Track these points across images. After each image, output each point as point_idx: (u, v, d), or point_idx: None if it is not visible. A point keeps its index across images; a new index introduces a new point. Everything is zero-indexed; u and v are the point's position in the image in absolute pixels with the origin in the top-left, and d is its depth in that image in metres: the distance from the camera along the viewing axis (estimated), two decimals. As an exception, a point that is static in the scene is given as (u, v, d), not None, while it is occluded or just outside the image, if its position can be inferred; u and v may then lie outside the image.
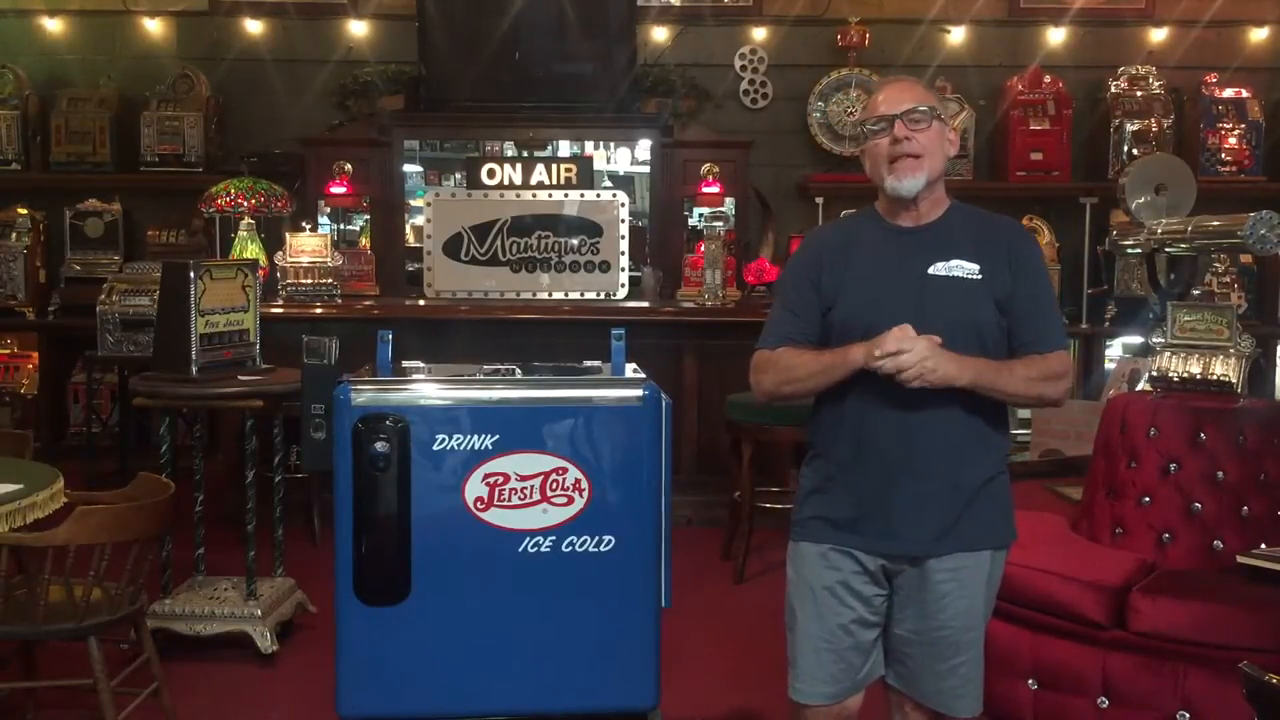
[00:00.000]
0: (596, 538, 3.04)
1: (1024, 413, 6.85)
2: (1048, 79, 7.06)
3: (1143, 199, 4.09)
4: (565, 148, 7.08)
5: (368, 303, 6.00)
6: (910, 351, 2.20)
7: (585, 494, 3.03)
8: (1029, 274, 2.37)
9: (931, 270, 2.33)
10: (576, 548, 3.04)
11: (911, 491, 2.33)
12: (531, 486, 3.02)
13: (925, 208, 2.39)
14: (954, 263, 2.33)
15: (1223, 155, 6.97)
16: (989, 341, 2.33)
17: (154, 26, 7.20)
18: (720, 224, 6.01)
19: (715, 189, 6.54)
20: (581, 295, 5.95)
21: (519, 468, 3.02)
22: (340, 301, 5.87)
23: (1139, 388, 4.14)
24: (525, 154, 6.94)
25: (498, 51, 6.58)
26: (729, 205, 6.63)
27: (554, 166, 6.61)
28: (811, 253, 2.50)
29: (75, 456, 6.18)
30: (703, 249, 5.95)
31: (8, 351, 6.96)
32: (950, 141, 2.39)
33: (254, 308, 4.20)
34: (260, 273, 4.52)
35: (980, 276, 2.33)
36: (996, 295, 2.33)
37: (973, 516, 2.36)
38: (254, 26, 7.15)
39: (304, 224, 6.21)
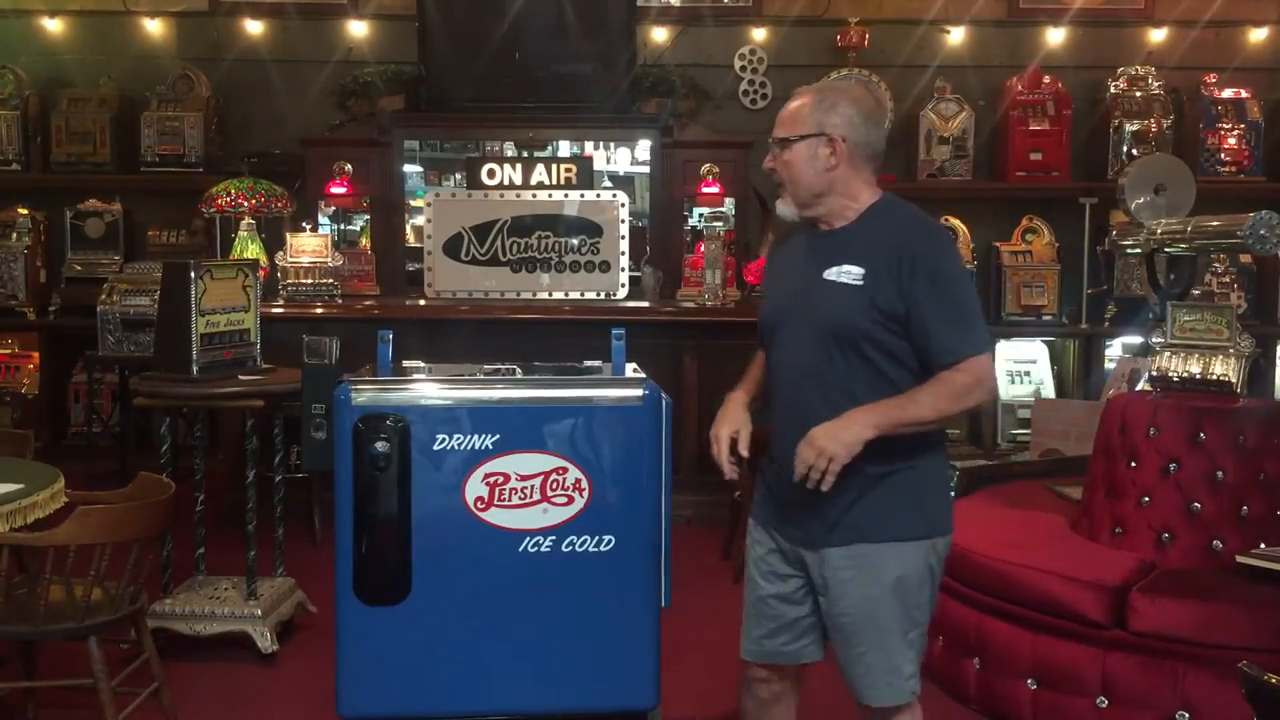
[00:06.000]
0: (596, 538, 3.04)
1: (1024, 412, 6.89)
2: (1047, 79, 7.07)
3: (1142, 199, 4.09)
4: (565, 148, 7.08)
5: (368, 303, 6.01)
6: (803, 456, 2.27)
7: (585, 494, 3.03)
8: (929, 281, 2.31)
9: (825, 275, 2.37)
10: (576, 548, 3.04)
11: (796, 483, 2.33)
12: (532, 486, 3.02)
13: (834, 216, 2.44)
14: (843, 268, 2.35)
15: (1222, 155, 6.98)
16: (867, 347, 2.33)
17: (154, 26, 7.21)
18: (720, 224, 6.02)
19: (715, 189, 6.54)
20: (581, 295, 5.95)
21: (519, 467, 3.02)
22: (340, 301, 5.87)
23: (1139, 388, 4.14)
24: (525, 154, 6.95)
25: (498, 52, 6.57)
26: (729, 205, 6.63)
27: (554, 166, 6.62)
28: (768, 260, 2.76)
29: (76, 456, 6.18)
30: (703, 249, 5.95)
31: (8, 351, 6.96)
32: (828, 151, 2.38)
33: (254, 308, 4.21)
34: (260, 273, 4.52)
35: (862, 282, 2.32)
36: (879, 301, 2.31)
37: (870, 507, 2.36)
38: (254, 27, 7.15)
39: (304, 224, 6.22)
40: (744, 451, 2.49)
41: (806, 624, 2.53)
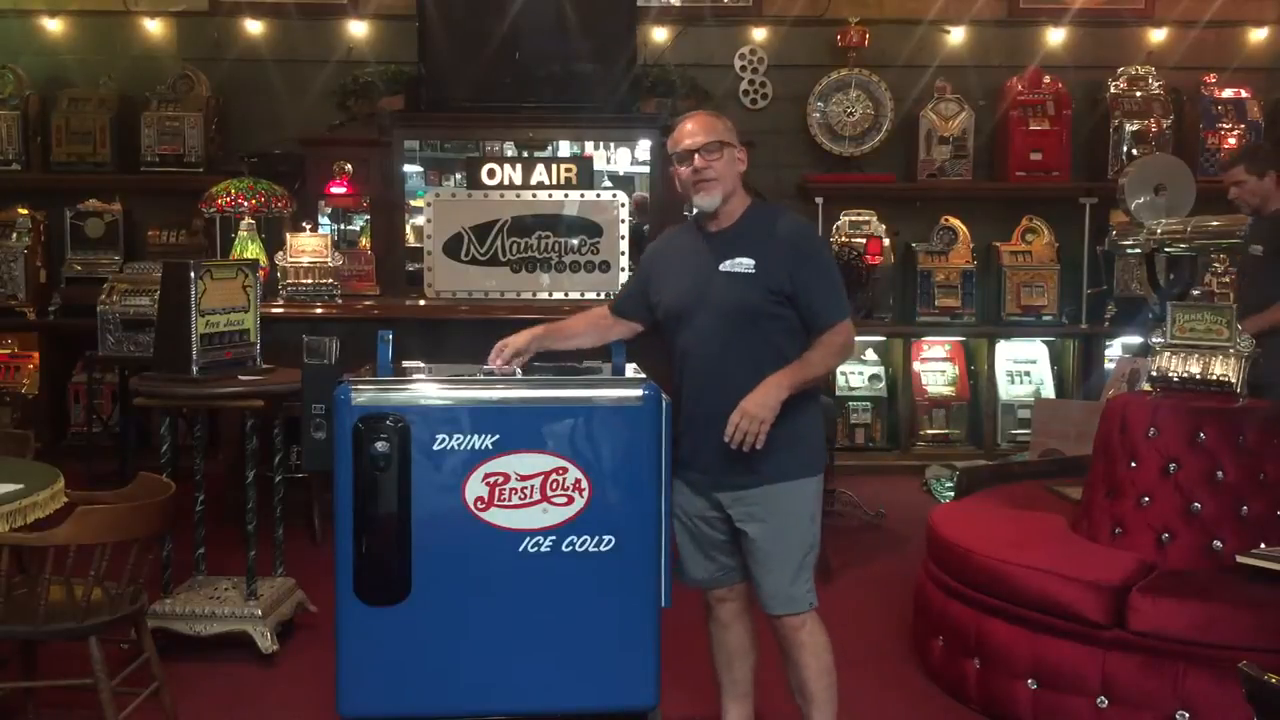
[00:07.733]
0: (596, 537, 3.04)
1: (1024, 412, 6.90)
2: (1047, 79, 7.07)
3: (1142, 199, 4.10)
4: (565, 148, 7.08)
5: (368, 303, 6.00)
6: (740, 425, 2.75)
7: (585, 494, 3.03)
8: (808, 263, 2.88)
9: (721, 268, 2.89)
10: (576, 547, 3.03)
11: (712, 441, 2.84)
12: (531, 486, 3.02)
13: (723, 217, 2.96)
14: (737, 260, 2.88)
15: (1222, 155, 6.98)
16: (761, 319, 2.86)
17: (154, 26, 7.21)
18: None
19: (715, 189, 6.54)
20: (582, 295, 5.94)
21: (519, 467, 3.02)
22: (340, 301, 5.86)
23: (1139, 388, 4.14)
24: (525, 154, 6.95)
25: (498, 52, 6.58)
26: (729, 205, 6.63)
27: (554, 166, 6.61)
28: (651, 254, 3.21)
29: (76, 456, 6.18)
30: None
31: (8, 351, 6.97)
32: (739, 160, 2.96)
33: (254, 308, 4.21)
34: (260, 273, 4.52)
35: (754, 271, 2.86)
36: (771, 285, 2.84)
37: (773, 457, 2.82)
38: (254, 26, 7.16)
39: (304, 224, 6.21)
40: (505, 366, 3.12)
41: (727, 550, 3.02)
